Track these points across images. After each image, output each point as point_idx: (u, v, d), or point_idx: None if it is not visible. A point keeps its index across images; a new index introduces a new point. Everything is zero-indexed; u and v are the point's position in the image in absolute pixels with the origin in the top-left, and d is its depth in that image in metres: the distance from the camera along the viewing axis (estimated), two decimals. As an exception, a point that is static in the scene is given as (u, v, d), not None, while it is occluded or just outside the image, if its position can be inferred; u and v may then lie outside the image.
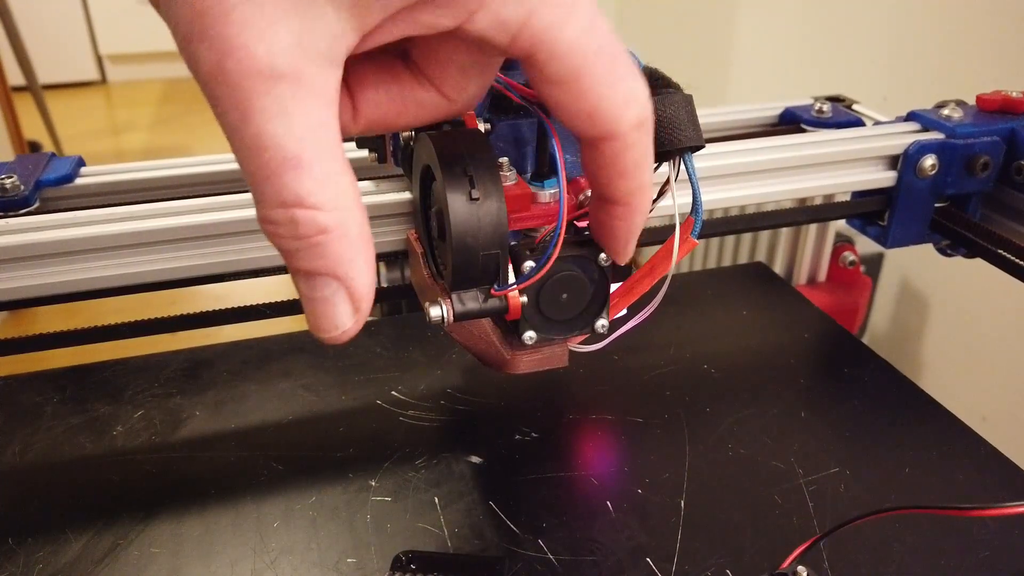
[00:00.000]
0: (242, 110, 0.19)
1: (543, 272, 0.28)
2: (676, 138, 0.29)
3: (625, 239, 0.27)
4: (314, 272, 0.21)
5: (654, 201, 0.32)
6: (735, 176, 0.42)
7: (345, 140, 0.25)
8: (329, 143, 0.20)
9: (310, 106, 0.20)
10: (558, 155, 0.28)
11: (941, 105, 0.47)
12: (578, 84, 0.22)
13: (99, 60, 3.34)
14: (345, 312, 0.22)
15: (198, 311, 0.40)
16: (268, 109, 0.19)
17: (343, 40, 0.20)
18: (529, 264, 0.28)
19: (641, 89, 0.23)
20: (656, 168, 0.31)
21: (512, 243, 0.29)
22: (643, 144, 0.24)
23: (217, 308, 0.40)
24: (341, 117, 0.24)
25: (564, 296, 0.29)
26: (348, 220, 0.21)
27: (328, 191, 0.20)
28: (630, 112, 0.23)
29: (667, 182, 0.30)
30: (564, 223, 0.28)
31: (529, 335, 0.29)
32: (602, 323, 0.30)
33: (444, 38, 0.22)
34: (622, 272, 0.31)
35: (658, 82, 0.29)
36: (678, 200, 0.30)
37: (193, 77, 0.20)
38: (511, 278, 0.28)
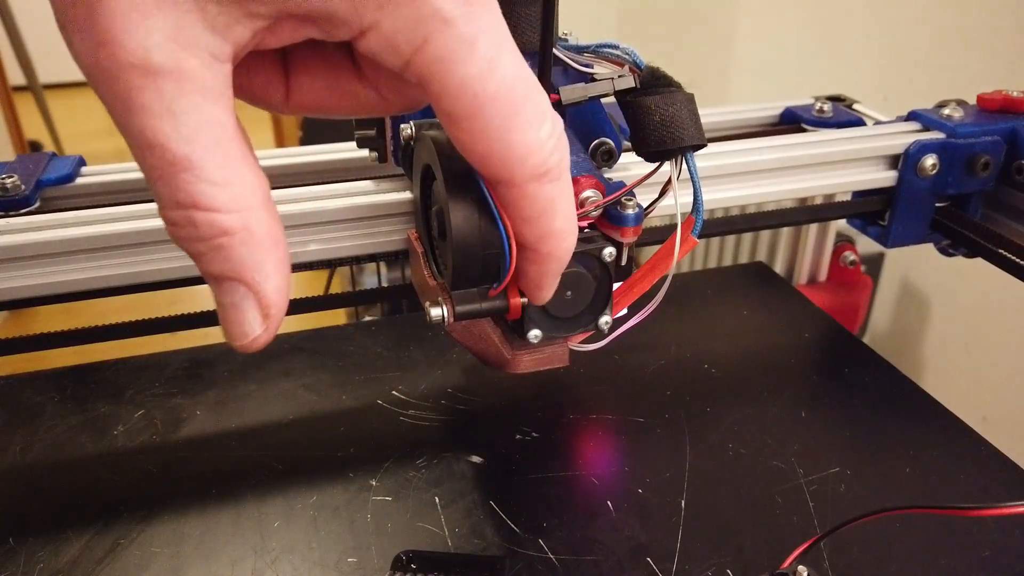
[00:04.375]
0: (123, 105, 0.18)
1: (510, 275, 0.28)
2: (678, 137, 0.29)
3: (535, 282, 0.25)
4: (220, 276, 0.20)
5: (655, 201, 0.32)
6: (736, 176, 0.42)
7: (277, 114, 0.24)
8: (223, 141, 0.19)
9: (197, 104, 0.19)
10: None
11: (942, 105, 0.47)
12: (470, 124, 0.21)
13: (100, 60, 3.34)
14: (254, 319, 0.21)
15: (198, 311, 0.40)
16: (151, 106, 0.18)
17: (229, 35, 0.19)
18: None
19: (543, 139, 0.21)
20: (658, 167, 0.31)
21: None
22: (546, 195, 0.22)
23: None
24: (272, 96, 0.23)
25: (568, 294, 0.29)
26: (252, 221, 0.20)
27: (226, 192, 0.19)
28: (527, 164, 0.21)
29: (668, 181, 0.30)
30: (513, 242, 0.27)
31: (534, 334, 0.29)
32: (606, 320, 0.30)
33: None
34: (623, 271, 0.31)
35: (660, 81, 0.29)
36: (679, 199, 0.30)
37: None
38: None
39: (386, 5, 0.19)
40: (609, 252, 0.29)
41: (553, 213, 0.23)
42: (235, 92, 0.20)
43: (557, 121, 0.22)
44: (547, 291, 0.26)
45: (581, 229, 0.31)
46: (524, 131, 0.21)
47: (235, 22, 0.19)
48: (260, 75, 0.23)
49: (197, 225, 0.19)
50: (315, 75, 0.23)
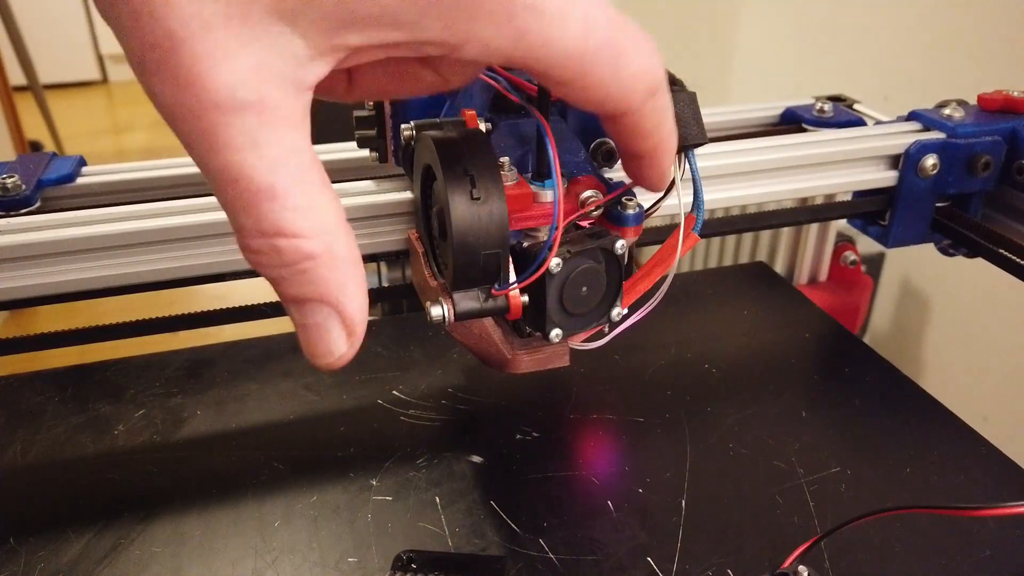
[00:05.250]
0: (207, 143, 0.18)
1: (540, 272, 0.28)
2: (681, 135, 0.29)
3: (658, 178, 0.27)
4: (304, 299, 0.21)
5: (656, 202, 0.32)
6: (736, 176, 0.42)
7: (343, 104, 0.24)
8: (304, 168, 0.20)
9: (279, 133, 0.19)
10: (553, 160, 0.28)
11: (942, 105, 0.47)
12: (583, 82, 0.21)
13: (100, 59, 3.34)
14: (339, 337, 0.21)
15: (198, 311, 0.40)
16: (234, 141, 0.18)
17: (310, 65, 0.19)
18: (555, 261, 0.28)
19: (647, 60, 0.22)
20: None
21: (513, 242, 0.29)
22: (659, 108, 0.24)
23: (217, 308, 0.40)
24: (336, 87, 0.24)
25: (584, 290, 0.29)
26: (334, 244, 0.20)
27: (309, 218, 0.20)
28: (641, 90, 0.22)
29: (671, 179, 0.30)
30: (561, 224, 0.28)
31: (556, 333, 0.30)
32: (617, 311, 0.31)
33: None
34: (624, 271, 0.31)
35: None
36: (680, 197, 0.30)
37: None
38: (512, 277, 0.28)
39: (477, 15, 0.19)
40: (621, 244, 0.29)
41: (665, 119, 0.24)
42: None
43: (650, 36, 0.23)
44: (666, 179, 0.27)
45: (583, 229, 0.31)
46: (631, 64, 0.22)
47: (320, 55, 0.19)
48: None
49: (281, 252, 0.20)
50: (377, 63, 0.23)
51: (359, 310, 0.21)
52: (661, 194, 0.31)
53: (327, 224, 0.20)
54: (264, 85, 0.18)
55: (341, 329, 0.21)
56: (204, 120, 0.18)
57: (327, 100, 0.24)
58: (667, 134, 0.25)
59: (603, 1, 0.21)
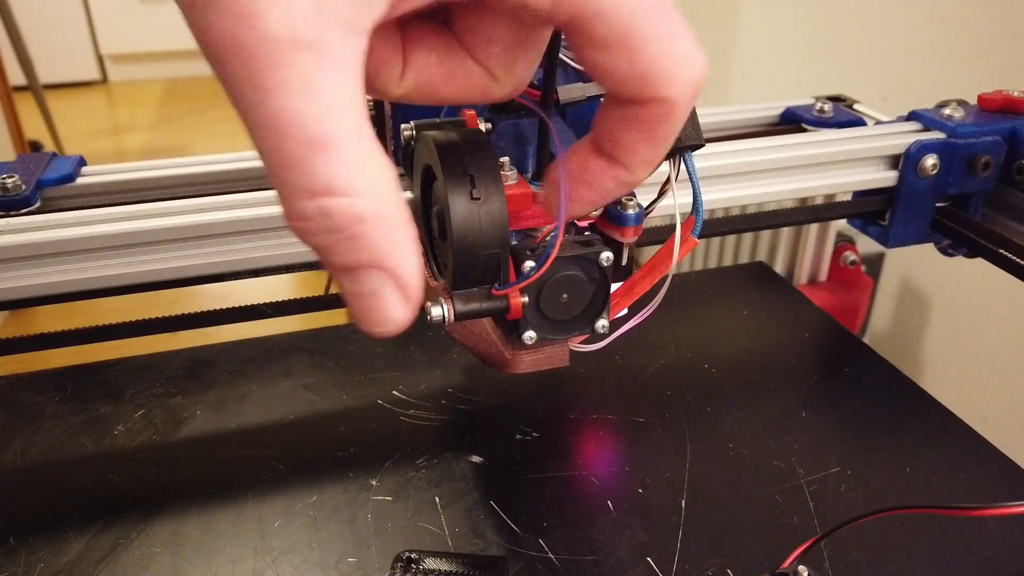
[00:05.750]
0: (259, 84, 0.17)
1: (541, 272, 0.28)
2: (677, 137, 0.29)
3: (606, 196, 0.25)
4: (355, 266, 0.19)
5: (653, 202, 0.32)
6: (736, 176, 0.42)
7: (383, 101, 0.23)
8: (358, 120, 0.18)
9: (335, 79, 0.18)
10: (559, 156, 0.28)
11: (942, 105, 0.47)
12: (628, 44, 0.20)
13: (100, 60, 3.34)
14: (396, 303, 0.20)
15: (198, 311, 0.40)
16: (289, 82, 0.17)
17: (369, 7, 0.18)
18: (529, 264, 0.28)
19: (699, 49, 0.20)
20: (656, 167, 0.31)
21: (513, 243, 0.29)
22: (686, 115, 0.21)
23: (217, 308, 0.40)
24: (387, 76, 0.22)
25: (564, 296, 0.29)
26: (387, 204, 0.19)
27: (362, 174, 0.18)
28: (686, 74, 0.20)
29: (667, 181, 0.30)
30: (563, 223, 0.28)
31: (529, 335, 0.29)
32: (602, 323, 0.30)
33: (484, 12, 0.20)
34: (623, 271, 0.31)
35: (659, 81, 0.29)
36: (678, 199, 0.30)
37: (202, 53, 0.18)
38: (512, 278, 0.28)
39: None
40: (606, 257, 0.29)
41: (673, 139, 0.22)
42: None
43: None
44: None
45: (581, 230, 0.31)
46: (681, 39, 0.20)
47: None
48: (379, 51, 0.22)
49: (331, 215, 0.18)
50: (431, 50, 0.22)
51: (415, 273, 0.20)
52: (656, 195, 0.31)
53: (379, 182, 0.19)
54: (323, 25, 0.17)
55: (398, 294, 0.20)
56: (259, 57, 0.17)
57: (376, 92, 0.23)
58: (658, 159, 0.23)
59: None
